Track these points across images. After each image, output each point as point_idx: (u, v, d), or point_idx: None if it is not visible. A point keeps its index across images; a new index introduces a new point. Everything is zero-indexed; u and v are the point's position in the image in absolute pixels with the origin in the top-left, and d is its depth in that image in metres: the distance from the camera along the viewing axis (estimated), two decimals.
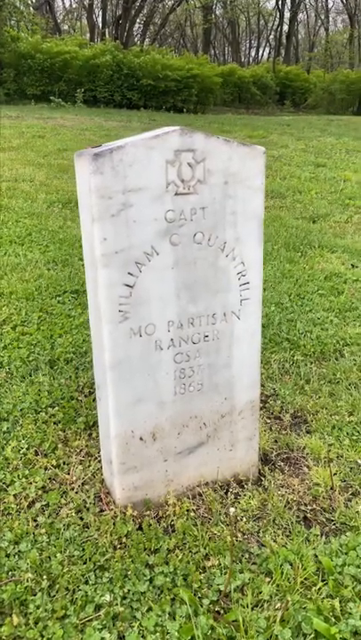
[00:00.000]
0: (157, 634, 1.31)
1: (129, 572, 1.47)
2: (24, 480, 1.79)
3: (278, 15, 32.03)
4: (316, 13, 41.09)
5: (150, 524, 1.61)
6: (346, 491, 1.83)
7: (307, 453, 2.00)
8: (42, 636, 1.31)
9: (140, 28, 30.85)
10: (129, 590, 1.42)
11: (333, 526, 1.69)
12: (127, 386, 1.55)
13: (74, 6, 38.06)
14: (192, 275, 1.54)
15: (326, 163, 8.17)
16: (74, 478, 1.81)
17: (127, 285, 1.45)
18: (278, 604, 1.39)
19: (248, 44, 46.07)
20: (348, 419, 2.19)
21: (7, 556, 1.52)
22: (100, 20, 30.73)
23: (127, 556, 1.52)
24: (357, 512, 1.73)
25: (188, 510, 1.68)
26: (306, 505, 1.76)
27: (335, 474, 1.88)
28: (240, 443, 1.81)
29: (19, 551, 1.53)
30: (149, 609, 1.38)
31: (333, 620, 1.37)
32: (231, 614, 1.37)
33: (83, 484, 1.79)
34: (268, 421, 2.19)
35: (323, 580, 1.48)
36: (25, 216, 4.75)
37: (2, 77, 16.37)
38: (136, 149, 1.37)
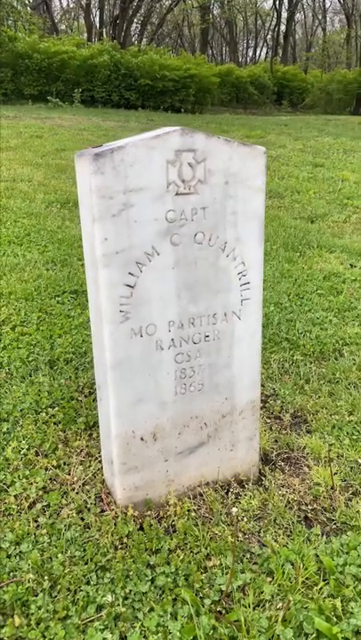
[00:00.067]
0: (159, 634, 1.31)
1: (130, 573, 1.47)
2: (25, 481, 1.79)
3: (276, 15, 32.05)
4: (313, 13, 41.17)
5: (151, 525, 1.61)
6: (346, 490, 1.83)
7: (307, 453, 2.01)
8: (44, 637, 1.31)
9: (137, 27, 30.87)
10: (130, 590, 1.42)
11: (334, 526, 1.70)
12: (128, 386, 1.54)
13: (71, 6, 38.04)
14: (193, 275, 1.54)
15: (324, 163, 8.18)
16: (74, 479, 1.81)
17: (128, 285, 1.45)
18: (280, 604, 1.39)
19: (246, 44, 46.13)
20: (348, 418, 2.20)
21: (8, 556, 1.52)
22: (97, 19, 30.77)
23: (128, 556, 1.52)
24: (358, 511, 1.73)
25: (189, 510, 1.68)
26: (307, 505, 1.76)
27: (336, 473, 1.89)
28: (241, 443, 1.81)
29: (20, 552, 1.53)
30: (151, 609, 1.38)
31: (335, 619, 1.37)
32: (233, 614, 1.37)
33: (83, 484, 1.79)
34: (269, 421, 2.19)
35: (324, 580, 1.48)
36: (23, 216, 4.74)
37: None
38: (137, 149, 1.37)
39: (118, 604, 1.38)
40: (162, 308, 1.52)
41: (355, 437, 2.09)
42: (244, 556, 1.55)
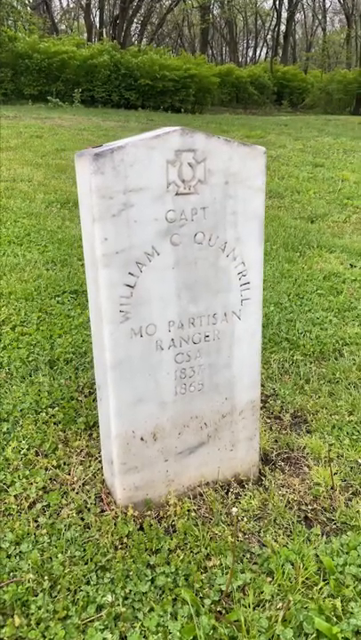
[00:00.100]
0: (159, 634, 1.31)
1: (130, 573, 1.47)
2: (25, 481, 1.79)
3: (276, 15, 32.06)
4: (313, 13, 41.17)
5: (151, 525, 1.61)
6: (346, 490, 1.83)
7: (307, 453, 2.01)
8: (44, 637, 1.31)
9: (137, 27, 30.87)
10: (130, 591, 1.42)
11: (334, 526, 1.70)
12: (128, 386, 1.54)
13: (71, 6, 38.04)
14: (193, 275, 1.54)
15: (324, 163, 8.18)
16: (74, 479, 1.81)
17: (128, 285, 1.45)
18: (280, 604, 1.39)
19: (245, 44, 46.13)
20: (348, 418, 2.20)
21: (8, 556, 1.52)
22: (97, 19, 30.77)
23: (128, 556, 1.52)
24: (358, 511, 1.73)
25: (188, 510, 1.68)
26: (307, 505, 1.76)
27: (336, 473, 1.89)
28: (241, 443, 1.81)
29: (20, 552, 1.53)
30: (151, 609, 1.38)
31: (335, 619, 1.37)
32: (233, 614, 1.37)
33: (83, 484, 1.79)
34: (269, 421, 2.19)
35: (324, 580, 1.48)
36: (23, 216, 4.74)
37: None
38: (137, 149, 1.37)
39: (118, 604, 1.38)
40: (162, 307, 1.52)
41: (355, 437, 2.09)
42: (244, 555, 1.56)
